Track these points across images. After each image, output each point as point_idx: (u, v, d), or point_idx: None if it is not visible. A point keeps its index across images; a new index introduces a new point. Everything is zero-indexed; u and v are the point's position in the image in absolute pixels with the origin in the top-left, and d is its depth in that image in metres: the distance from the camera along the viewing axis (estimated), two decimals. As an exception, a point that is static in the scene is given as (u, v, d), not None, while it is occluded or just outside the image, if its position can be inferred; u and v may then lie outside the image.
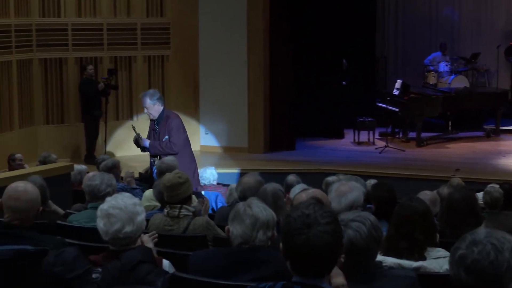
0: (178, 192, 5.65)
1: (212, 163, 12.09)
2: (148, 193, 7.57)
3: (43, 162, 9.73)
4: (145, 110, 9.20)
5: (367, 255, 3.40)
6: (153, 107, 9.05)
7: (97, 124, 13.66)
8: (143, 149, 9.36)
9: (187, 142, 9.36)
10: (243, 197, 6.04)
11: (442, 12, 18.58)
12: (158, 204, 6.78)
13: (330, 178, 7.93)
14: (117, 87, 13.86)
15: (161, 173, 7.43)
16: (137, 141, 9.30)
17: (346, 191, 4.97)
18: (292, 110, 15.05)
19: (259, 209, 3.90)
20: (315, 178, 10.12)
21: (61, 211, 6.70)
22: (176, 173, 5.79)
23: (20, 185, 4.44)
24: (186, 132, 9.38)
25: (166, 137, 9.10)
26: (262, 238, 3.85)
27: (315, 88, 16.06)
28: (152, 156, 9.26)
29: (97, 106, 13.49)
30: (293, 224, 2.73)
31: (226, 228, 3.99)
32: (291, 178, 8.93)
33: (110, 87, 13.56)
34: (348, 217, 3.45)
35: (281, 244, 2.80)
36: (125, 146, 14.31)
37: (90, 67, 13.61)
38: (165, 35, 14.68)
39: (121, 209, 3.94)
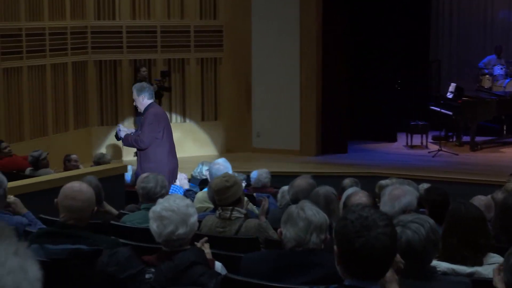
0: (226, 196, 5.66)
1: (264, 165, 12.11)
2: (201, 194, 7.60)
3: (98, 162, 9.85)
4: (134, 102, 9.19)
5: (423, 258, 3.39)
6: (138, 99, 9.00)
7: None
8: (120, 140, 9.37)
9: (166, 138, 9.14)
10: (295, 200, 6.03)
11: (497, 14, 18.34)
12: (210, 205, 6.81)
13: (383, 182, 7.88)
14: (170, 89, 13.96)
15: (215, 174, 7.48)
16: (117, 132, 9.34)
17: (399, 194, 4.94)
18: (345, 112, 15.00)
19: (312, 212, 3.90)
20: (367, 182, 10.06)
21: (115, 211, 6.77)
22: (223, 177, 5.80)
23: (75, 185, 4.48)
24: (166, 127, 9.16)
25: (139, 131, 9.10)
26: (316, 241, 3.84)
27: (368, 91, 15.98)
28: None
29: None
30: (351, 226, 2.72)
31: (278, 230, 3.99)
32: (347, 181, 8.89)
33: (163, 88, 13.66)
34: (407, 219, 3.44)
35: (335, 247, 2.79)
36: (178, 148, 14.40)
37: (144, 69, 13.74)
38: (218, 37, 14.75)
39: (174, 211, 3.95)
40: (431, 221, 3.47)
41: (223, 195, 5.65)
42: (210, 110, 14.92)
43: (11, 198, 5.44)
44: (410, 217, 3.47)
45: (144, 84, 9.32)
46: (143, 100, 9.00)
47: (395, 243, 2.76)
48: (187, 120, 14.75)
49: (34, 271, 1.38)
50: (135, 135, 9.08)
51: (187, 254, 3.91)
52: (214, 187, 5.71)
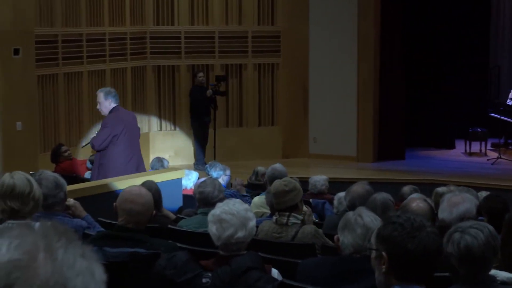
0: (284, 200, 5.66)
1: (320, 171, 12.08)
2: (257, 199, 7.62)
3: (155, 167, 9.93)
4: (97, 105, 9.20)
5: (482, 264, 3.35)
6: (104, 102, 8.98)
7: (205, 131, 13.86)
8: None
9: (122, 139, 8.98)
10: (351, 206, 6.00)
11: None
12: (267, 211, 6.82)
13: (440, 189, 7.80)
14: (225, 94, 14.03)
15: (272, 179, 7.49)
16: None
17: (458, 201, 4.89)
18: (402, 119, 14.89)
19: (370, 218, 3.88)
20: (425, 189, 9.97)
21: (172, 215, 6.82)
22: (283, 181, 5.81)
23: (135, 189, 4.54)
24: (125, 130, 9.00)
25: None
26: (374, 248, 3.82)
27: (426, 97, 15.85)
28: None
29: (206, 112, 13.69)
30: (400, 229, 2.74)
31: (335, 237, 3.97)
32: (407, 189, 8.82)
33: (218, 93, 13.73)
34: (466, 225, 3.42)
35: (383, 253, 2.79)
36: (236, 153, 14.48)
37: (201, 74, 13.83)
38: (276, 43, 14.78)
39: (234, 215, 3.97)
40: (491, 227, 3.44)
41: (281, 198, 5.65)
42: (267, 115, 14.95)
43: (70, 201, 5.53)
44: (469, 223, 3.45)
45: (111, 88, 9.43)
46: (109, 104, 8.98)
47: (440, 247, 2.84)
48: (244, 126, 14.80)
49: (100, 273, 1.40)
50: (92, 137, 9.25)
51: (244, 259, 3.92)
52: (273, 190, 5.73)
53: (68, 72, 12.30)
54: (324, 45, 14.70)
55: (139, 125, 9.89)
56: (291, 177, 7.83)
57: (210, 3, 14.34)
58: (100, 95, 9.06)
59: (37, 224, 1.42)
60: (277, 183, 5.81)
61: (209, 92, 13.55)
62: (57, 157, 10.56)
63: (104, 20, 12.96)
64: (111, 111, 9.00)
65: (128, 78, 13.64)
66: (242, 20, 14.60)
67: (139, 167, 9.17)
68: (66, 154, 10.75)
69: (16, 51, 11.10)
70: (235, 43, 14.59)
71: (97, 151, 8.97)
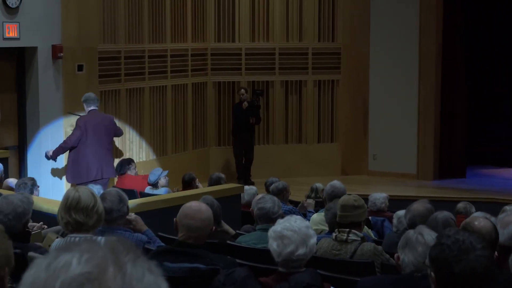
0: (350, 214, 5.65)
1: (380, 189, 12.00)
2: (316, 216, 7.61)
3: (213, 183, 10.00)
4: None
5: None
6: (85, 107, 10.58)
7: (244, 147, 13.77)
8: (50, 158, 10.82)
9: (90, 139, 10.37)
10: (412, 224, 5.95)
11: None
12: (325, 228, 6.81)
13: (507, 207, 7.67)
14: (259, 107, 13.93)
15: (332, 196, 7.50)
16: (46, 155, 10.78)
17: (510, 221, 4.82)
18: (464, 136, 14.72)
19: (431, 237, 3.85)
20: (486, 208, 9.83)
21: (232, 231, 6.85)
22: (353, 197, 5.82)
23: (195, 204, 4.57)
24: (93, 131, 10.41)
25: None
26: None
27: (488, 114, 15.66)
28: None
29: (245, 128, 13.65)
30: (448, 251, 2.69)
31: (396, 255, 3.95)
32: (461, 205, 8.73)
33: (254, 107, 13.69)
34: None
35: (432, 273, 2.77)
36: (294, 170, 14.49)
37: (242, 91, 13.79)
38: (336, 59, 14.76)
39: (295, 231, 3.98)
40: None
41: (347, 212, 5.64)
42: (326, 132, 14.93)
43: (131, 215, 5.61)
44: None
45: (91, 95, 10.68)
46: (86, 108, 10.54)
47: (494, 265, 2.73)
48: (303, 142, 14.80)
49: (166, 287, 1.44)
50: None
51: (303, 276, 3.92)
52: (342, 202, 5.73)
53: (130, 88, 12.46)
54: (384, 62, 14.64)
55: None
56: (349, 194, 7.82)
57: (271, 19, 14.42)
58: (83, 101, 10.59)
59: (103, 239, 1.45)
60: (346, 197, 5.85)
61: (244, 104, 13.51)
62: (123, 168, 10.73)
63: (166, 37, 13.11)
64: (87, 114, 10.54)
65: (189, 94, 13.77)
66: (303, 36, 14.63)
67: (103, 170, 10.41)
68: (133, 171, 10.88)
69: (80, 67, 11.30)
70: (295, 60, 14.62)
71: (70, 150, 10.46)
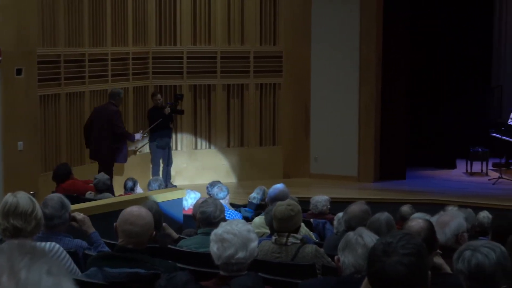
0: (289, 224, 5.67)
1: (321, 191, 12.08)
2: (258, 220, 7.63)
3: (153, 187, 9.98)
4: None
5: (492, 284, 3.35)
6: None
7: (162, 152, 13.63)
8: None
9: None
10: (348, 226, 6.01)
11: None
12: (267, 231, 6.83)
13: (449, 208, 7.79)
14: (182, 112, 13.89)
15: (274, 199, 7.52)
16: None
17: (447, 220, 4.90)
18: (403, 139, 14.91)
19: (370, 239, 3.89)
20: (426, 209, 9.97)
21: (175, 235, 6.83)
22: (288, 205, 5.78)
23: (134, 209, 4.54)
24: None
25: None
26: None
27: (427, 117, 15.89)
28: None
29: (165, 133, 13.52)
30: (373, 250, 2.69)
31: (336, 257, 3.98)
32: (405, 209, 8.83)
33: (176, 111, 13.65)
34: (479, 243, 3.42)
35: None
36: (235, 173, 14.51)
37: (159, 96, 13.67)
38: (278, 63, 14.82)
39: (235, 235, 3.98)
40: (503, 248, 3.44)
41: (286, 223, 5.65)
42: (268, 135, 14.98)
43: (80, 215, 5.53)
44: (481, 242, 3.45)
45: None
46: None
47: (418, 274, 2.64)
48: (245, 145, 14.82)
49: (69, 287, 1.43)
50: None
51: (244, 280, 3.93)
52: (278, 215, 5.69)
53: (70, 92, 12.34)
54: (326, 65, 14.75)
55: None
56: (291, 197, 7.86)
57: (212, 23, 14.41)
58: None
59: (4, 246, 1.45)
60: (282, 208, 5.75)
61: (167, 110, 13.39)
62: (59, 176, 10.57)
63: (107, 40, 13.02)
64: None
65: (130, 98, 13.68)
66: (244, 40, 14.65)
67: (97, 153, 12.01)
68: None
69: (19, 71, 11.14)
70: (237, 63, 14.63)
71: None
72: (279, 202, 6.06)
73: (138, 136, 12.79)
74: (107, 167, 11.69)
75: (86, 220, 5.55)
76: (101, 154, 12.02)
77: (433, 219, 5.10)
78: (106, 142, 11.95)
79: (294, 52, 14.82)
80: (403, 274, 2.59)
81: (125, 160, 12.43)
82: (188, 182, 13.99)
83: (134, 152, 13.70)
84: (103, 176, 9.96)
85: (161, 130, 13.43)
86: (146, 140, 13.56)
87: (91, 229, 5.53)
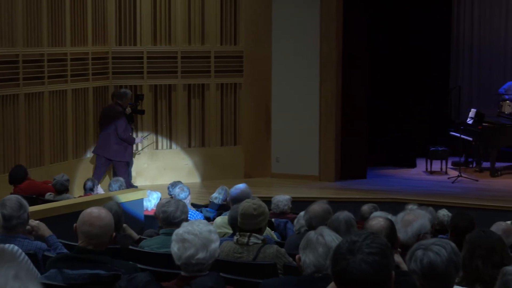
0: (250, 222, 5.67)
1: (283, 191, 12.10)
2: (220, 220, 7.62)
3: (114, 188, 9.92)
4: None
5: (445, 280, 3.38)
6: None
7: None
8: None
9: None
10: (310, 225, 6.02)
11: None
12: (229, 231, 6.82)
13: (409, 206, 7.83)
14: (143, 112, 13.86)
15: (235, 199, 7.52)
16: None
17: (411, 220, 4.94)
18: (364, 138, 14.99)
19: (331, 238, 3.90)
20: (386, 207, 10.05)
21: (136, 235, 6.80)
22: (253, 204, 5.78)
23: (94, 211, 4.51)
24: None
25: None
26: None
27: (388, 117, 16.00)
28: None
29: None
30: (338, 248, 2.70)
31: (297, 256, 3.99)
32: (366, 208, 8.88)
33: (137, 112, 13.62)
34: (429, 242, 3.45)
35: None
36: (197, 173, 14.49)
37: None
38: (238, 63, 14.81)
39: (196, 235, 3.98)
40: (453, 244, 3.48)
41: (248, 220, 5.65)
42: (229, 135, 14.96)
43: (34, 222, 5.49)
44: (431, 241, 3.48)
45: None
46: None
47: (382, 274, 2.65)
48: (206, 145, 14.79)
49: None
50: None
51: (205, 280, 3.93)
52: (242, 210, 5.71)
53: (29, 93, 12.21)
54: (286, 65, 14.77)
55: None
56: (253, 197, 7.85)
57: (173, 23, 14.35)
58: None
59: None
60: (247, 204, 5.77)
61: (128, 110, 13.37)
62: (16, 178, 10.45)
63: (66, 40, 12.90)
64: None
65: (90, 99, 13.58)
66: (205, 40, 14.62)
67: (105, 149, 12.95)
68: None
69: (-24, 72, 11.01)
70: (198, 63, 14.59)
71: None
72: (247, 199, 6.08)
73: (138, 140, 13.77)
74: (118, 164, 13.05)
75: (40, 226, 5.50)
76: (109, 152, 13.00)
77: (399, 217, 5.13)
78: (113, 141, 12.92)
79: (255, 52, 14.83)
80: (367, 273, 2.61)
81: (130, 158, 13.35)
82: (149, 183, 13.95)
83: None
84: (61, 177, 9.88)
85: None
86: (152, 140, 14.29)
87: (48, 233, 5.49)
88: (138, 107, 13.69)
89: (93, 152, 13.33)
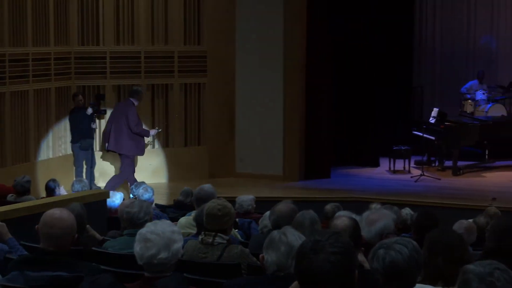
0: (215, 222, 5.65)
1: (247, 191, 12.10)
2: (184, 220, 7.60)
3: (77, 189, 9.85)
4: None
5: (407, 279, 3.40)
6: None
7: (85, 153, 13.51)
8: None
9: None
10: (276, 226, 6.02)
11: (479, 40, 18.51)
12: (192, 231, 6.81)
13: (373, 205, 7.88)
14: (105, 112, 13.78)
15: (199, 200, 7.50)
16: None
17: (375, 219, 4.97)
18: (328, 138, 15.04)
19: (294, 237, 3.90)
20: (350, 207, 10.09)
21: (99, 236, 6.76)
22: (219, 204, 5.77)
23: (56, 212, 4.47)
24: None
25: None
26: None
27: (351, 117, 16.07)
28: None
29: (87, 134, 13.41)
30: (302, 248, 2.70)
31: (260, 256, 3.99)
32: (329, 207, 8.90)
33: (99, 112, 13.55)
34: (391, 241, 3.47)
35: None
36: (161, 173, 14.45)
37: (80, 97, 13.53)
38: (202, 63, 14.79)
39: (159, 235, 3.98)
40: (415, 242, 3.50)
41: (212, 220, 5.64)
42: (193, 135, 14.93)
43: None
44: (393, 240, 3.50)
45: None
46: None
47: (344, 273, 2.66)
48: (170, 146, 14.74)
49: None
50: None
51: (168, 281, 3.92)
52: (207, 211, 5.70)
53: (-10, 93, 12.09)
54: (250, 65, 14.78)
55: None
56: (218, 197, 7.84)
57: (136, 23, 14.29)
58: None
59: None
60: (212, 205, 5.74)
61: (88, 110, 13.30)
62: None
63: (28, 40, 12.78)
64: None
65: (52, 99, 13.46)
66: (168, 40, 14.57)
67: (117, 144, 13.36)
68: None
69: None
70: (161, 63, 14.54)
71: None
72: (213, 200, 6.07)
73: (152, 132, 13.92)
74: (127, 159, 13.42)
75: (1, 228, 5.45)
76: (121, 146, 13.35)
77: (363, 216, 5.16)
78: (125, 136, 13.26)
79: (219, 52, 14.81)
80: (330, 272, 2.61)
81: (142, 153, 13.70)
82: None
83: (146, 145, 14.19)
84: (22, 178, 9.78)
85: (84, 131, 13.30)
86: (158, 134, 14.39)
87: (7, 235, 5.44)
88: (100, 107, 13.60)
89: (106, 149, 13.67)
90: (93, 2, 13.96)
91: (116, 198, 9.51)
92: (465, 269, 2.91)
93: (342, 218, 5.03)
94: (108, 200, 9.11)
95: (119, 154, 13.55)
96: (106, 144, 13.65)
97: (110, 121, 13.61)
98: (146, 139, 13.96)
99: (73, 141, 13.48)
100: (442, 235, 4.47)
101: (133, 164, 13.61)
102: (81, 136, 13.34)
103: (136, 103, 13.50)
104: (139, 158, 14.35)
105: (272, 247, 3.88)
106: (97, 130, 13.98)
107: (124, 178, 13.44)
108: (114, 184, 13.23)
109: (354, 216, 5.45)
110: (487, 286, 2.78)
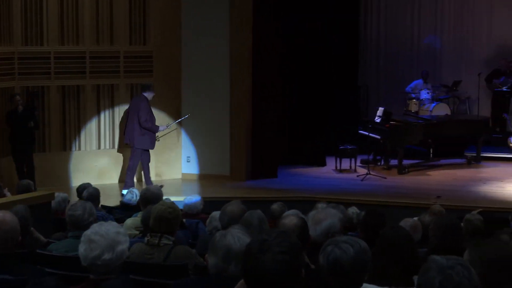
0: (164, 225, 5.62)
1: (194, 191, 12.08)
2: (130, 221, 7.55)
3: (22, 190, 9.70)
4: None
5: (351, 278, 3.41)
6: None
7: (22, 154, 13.31)
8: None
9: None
10: (227, 226, 6.00)
11: (424, 40, 18.74)
12: (137, 232, 6.77)
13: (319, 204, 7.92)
14: (35, 109, 13.50)
15: (145, 200, 7.46)
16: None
17: (321, 218, 5.00)
18: (275, 137, 15.08)
19: (234, 239, 3.83)
20: (297, 206, 10.13)
21: (43, 239, 6.68)
22: (169, 207, 5.73)
23: (-2, 214, 4.42)
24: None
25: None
26: (234, 269, 3.80)
27: (297, 116, 16.12)
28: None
29: (23, 135, 13.21)
30: (249, 247, 2.70)
31: (205, 256, 3.98)
32: (275, 207, 8.92)
33: (32, 109, 13.27)
34: (341, 239, 3.48)
35: None
36: (107, 174, 14.34)
37: (17, 97, 13.33)
38: (148, 63, 14.71)
39: (103, 236, 3.96)
40: (363, 243, 3.51)
41: (162, 223, 5.60)
42: (140, 136, 14.82)
43: None
44: (343, 238, 3.51)
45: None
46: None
47: (292, 272, 2.68)
48: (116, 146, 14.64)
49: None
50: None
51: (114, 283, 3.89)
52: (156, 214, 5.64)
53: None
54: (196, 65, 14.75)
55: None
56: (166, 198, 7.81)
57: (80, 23, 14.14)
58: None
59: None
60: (162, 208, 5.68)
61: (19, 108, 13.08)
62: None
63: (-30, 40, 12.58)
64: None
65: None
66: (114, 40, 14.46)
67: (131, 137, 13.75)
68: None
69: None
70: (107, 63, 14.43)
71: None
72: (161, 202, 6.03)
73: (162, 128, 14.10)
74: (136, 152, 13.74)
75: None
76: (133, 139, 13.70)
77: (310, 215, 5.18)
78: (137, 130, 13.62)
79: (164, 52, 14.75)
80: (277, 271, 2.62)
81: (152, 147, 13.92)
82: (58, 185, 13.70)
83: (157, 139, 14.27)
84: None
85: (20, 133, 13.07)
86: (168, 130, 14.54)
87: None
88: (34, 105, 13.34)
89: (124, 142, 14.07)
90: (37, 2, 13.78)
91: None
92: (430, 258, 2.95)
93: (291, 217, 5.04)
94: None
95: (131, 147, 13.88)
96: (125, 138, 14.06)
97: (126, 117, 14.10)
98: (156, 135, 14.14)
99: (11, 143, 13.23)
100: (392, 234, 4.51)
101: (139, 156, 13.82)
102: (17, 138, 13.08)
103: (149, 97, 13.74)
104: (86, 159, 14.22)
105: (211, 249, 3.85)
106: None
107: (131, 170, 13.81)
108: (128, 179, 13.72)
109: (300, 215, 5.46)
110: (444, 277, 2.81)
